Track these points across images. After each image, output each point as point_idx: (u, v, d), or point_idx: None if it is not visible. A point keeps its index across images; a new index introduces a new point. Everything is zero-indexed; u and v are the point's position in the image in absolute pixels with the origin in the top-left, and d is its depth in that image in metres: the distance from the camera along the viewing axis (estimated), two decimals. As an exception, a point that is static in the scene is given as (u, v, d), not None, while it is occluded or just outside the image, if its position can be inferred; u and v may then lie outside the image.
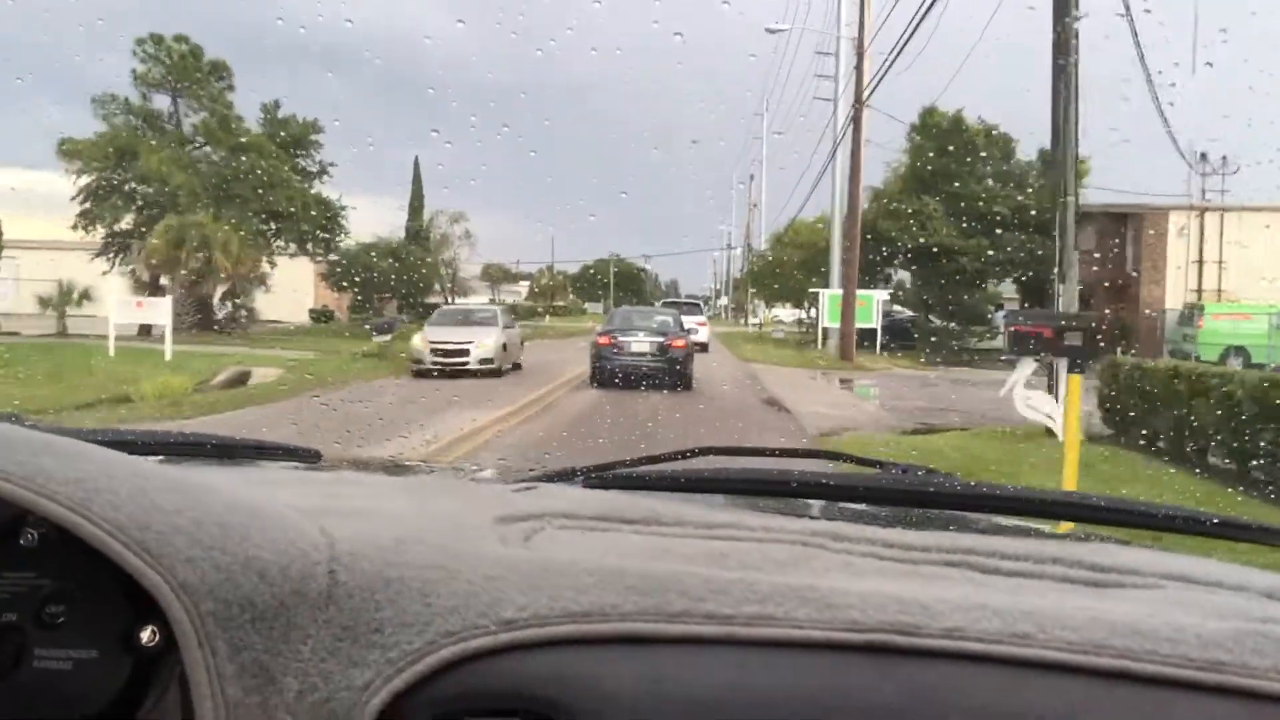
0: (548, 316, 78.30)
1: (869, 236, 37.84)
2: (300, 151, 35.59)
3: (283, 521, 0.83)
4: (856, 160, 28.28)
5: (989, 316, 41.66)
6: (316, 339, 29.11)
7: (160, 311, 23.34)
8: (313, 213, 34.72)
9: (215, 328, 31.97)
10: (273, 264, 35.61)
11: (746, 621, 0.78)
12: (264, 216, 33.84)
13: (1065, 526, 1.43)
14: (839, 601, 0.79)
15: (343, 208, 37.05)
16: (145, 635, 0.78)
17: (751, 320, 66.14)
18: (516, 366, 22.49)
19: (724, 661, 0.77)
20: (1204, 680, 0.74)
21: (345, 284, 43.48)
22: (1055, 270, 11.44)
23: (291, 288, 43.15)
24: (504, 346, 21.28)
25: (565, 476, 1.43)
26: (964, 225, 34.62)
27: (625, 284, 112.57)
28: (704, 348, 29.01)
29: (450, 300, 60.57)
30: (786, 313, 76.12)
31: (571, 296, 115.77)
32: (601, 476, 1.40)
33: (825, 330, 33.61)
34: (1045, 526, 1.42)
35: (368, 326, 27.38)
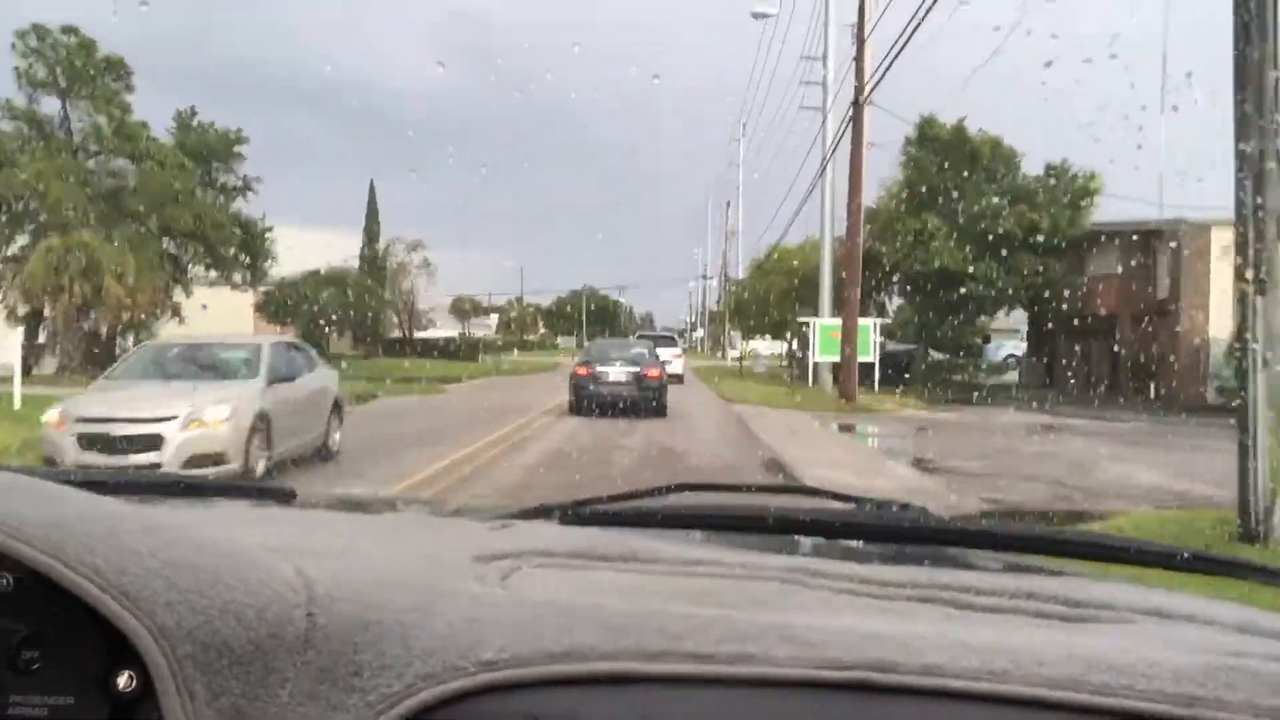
0: (515, 350, 74.19)
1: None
2: (218, 164, 31.31)
3: (259, 563, 0.82)
4: (857, 162, 24.24)
5: (979, 348, 38.95)
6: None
7: (6, 349, 19.01)
8: (230, 233, 30.36)
9: (104, 366, 27.32)
10: (188, 293, 31.22)
11: (726, 660, 0.77)
12: (169, 238, 29.58)
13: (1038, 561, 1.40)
14: (817, 639, 0.79)
15: (267, 229, 32.74)
16: (122, 681, 0.76)
17: (730, 353, 62.25)
18: (325, 452, 12.81)
19: (704, 701, 0.76)
20: (1178, 715, 0.74)
21: (281, 316, 39.05)
22: (1250, 271, 7.31)
23: (224, 320, 38.91)
24: (262, 422, 10.90)
25: (542, 513, 1.42)
26: (969, 247, 30.85)
27: (599, 317, 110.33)
28: (679, 379, 28.50)
29: (407, 334, 56.26)
30: (764, 345, 73.04)
31: (544, 330, 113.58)
32: (578, 513, 1.39)
33: (816, 365, 29.54)
34: (1019, 561, 1.39)
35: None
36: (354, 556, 0.98)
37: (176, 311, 30.96)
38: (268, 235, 32.84)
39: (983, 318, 35.39)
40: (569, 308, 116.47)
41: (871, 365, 28.94)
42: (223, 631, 0.73)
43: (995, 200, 31.46)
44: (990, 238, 30.26)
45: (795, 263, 38.48)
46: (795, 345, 52.80)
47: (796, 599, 0.96)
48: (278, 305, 38.37)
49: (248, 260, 32.64)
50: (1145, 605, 1.02)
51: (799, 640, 0.79)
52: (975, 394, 29.38)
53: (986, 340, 39.97)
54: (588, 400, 19.58)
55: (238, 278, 32.65)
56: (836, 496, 1.59)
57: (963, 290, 30.95)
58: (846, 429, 19.86)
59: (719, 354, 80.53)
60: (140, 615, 0.72)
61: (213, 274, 31.83)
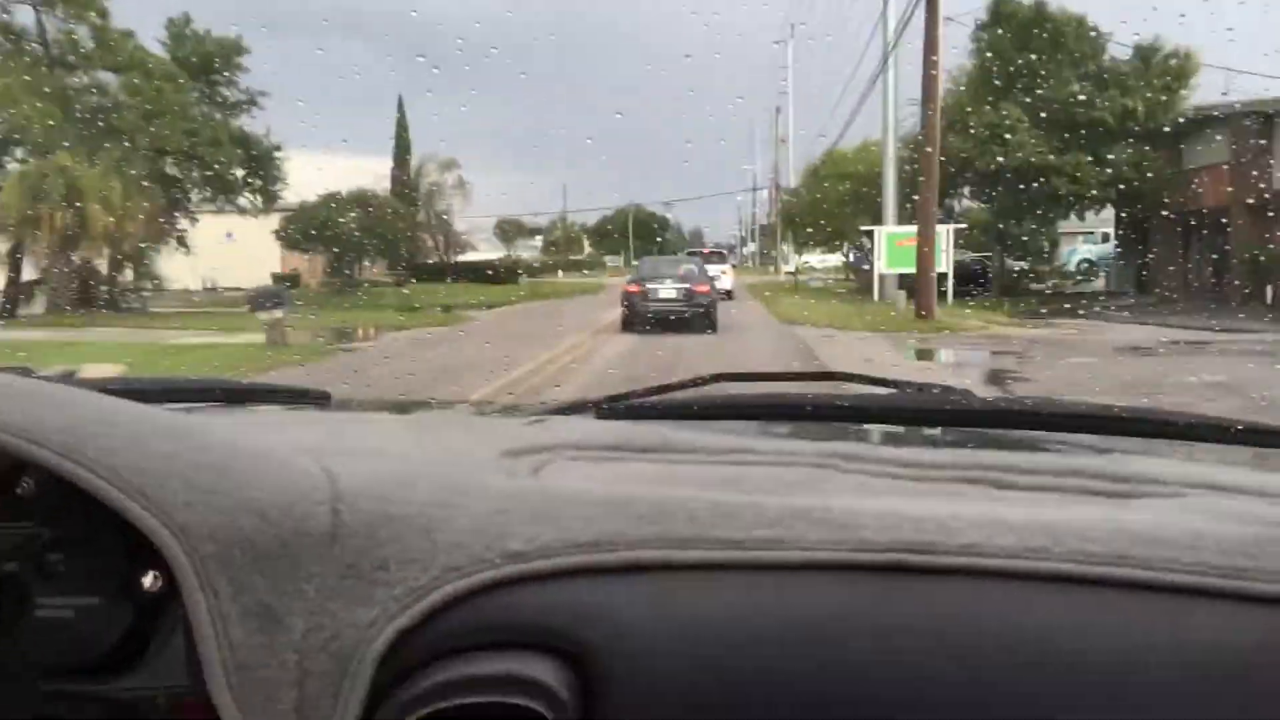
0: (560, 272, 71.48)
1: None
2: (219, 77, 28.49)
3: (284, 462, 0.83)
4: (933, 39, 20.75)
5: (1046, 254, 35.70)
6: (229, 318, 22.27)
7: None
8: (230, 152, 27.65)
9: (101, 305, 25.39)
10: (193, 220, 28.75)
11: (756, 545, 0.77)
12: (163, 158, 26.84)
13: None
14: (851, 522, 0.79)
15: (276, 147, 29.90)
16: (147, 581, 0.79)
17: (784, 268, 59.06)
18: None
19: (734, 586, 0.77)
20: (1224, 587, 0.73)
21: (302, 243, 36.52)
22: None
23: (250, 250, 36.53)
24: None
25: (576, 409, 1.42)
26: (1054, 139, 27.33)
27: (647, 234, 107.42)
28: (729, 294, 28.10)
29: (444, 258, 53.72)
30: (816, 258, 69.78)
31: (589, 250, 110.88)
32: (613, 407, 1.39)
33: (881, 277, 26.50)
34: (1065, 440, 1.34)
35: (248, 304, 20.31)
36: (382, 454, 0.98)
37: (182, 241, 28.58)
38: (276, 154, 30.06)
39: (1063, 219, 31.87)
40: (612, 226, 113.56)
41: (943, 277, 25.92)
42: (246, 529, 0.74)
43: (1082, 85, 27.79)
44: (1078, 128, 26.76)
45: (860, 168, 35.14)
46: (854, 257, 49.87)
47: (831, 483, 0.95)
48: (301, 232, 35.77)
49: (258, 183, 29.99)
50: (1195, 478, 0.98)
51: (832, 523, 0.79)
52: (1064, 305, 26.21)
53: (1054, 245, 36.69)
54: (640, 316, 19.84)
55: (244, 202, 30.00)
56: (875, 381, 1.52)
57: (1047, 188, 27.49)
58: (943, 357, 16.82)
59: (771, 269, 77.14)
60: (160, 515, 0.73)
61: (224, 201, 29.24)
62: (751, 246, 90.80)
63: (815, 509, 0.80)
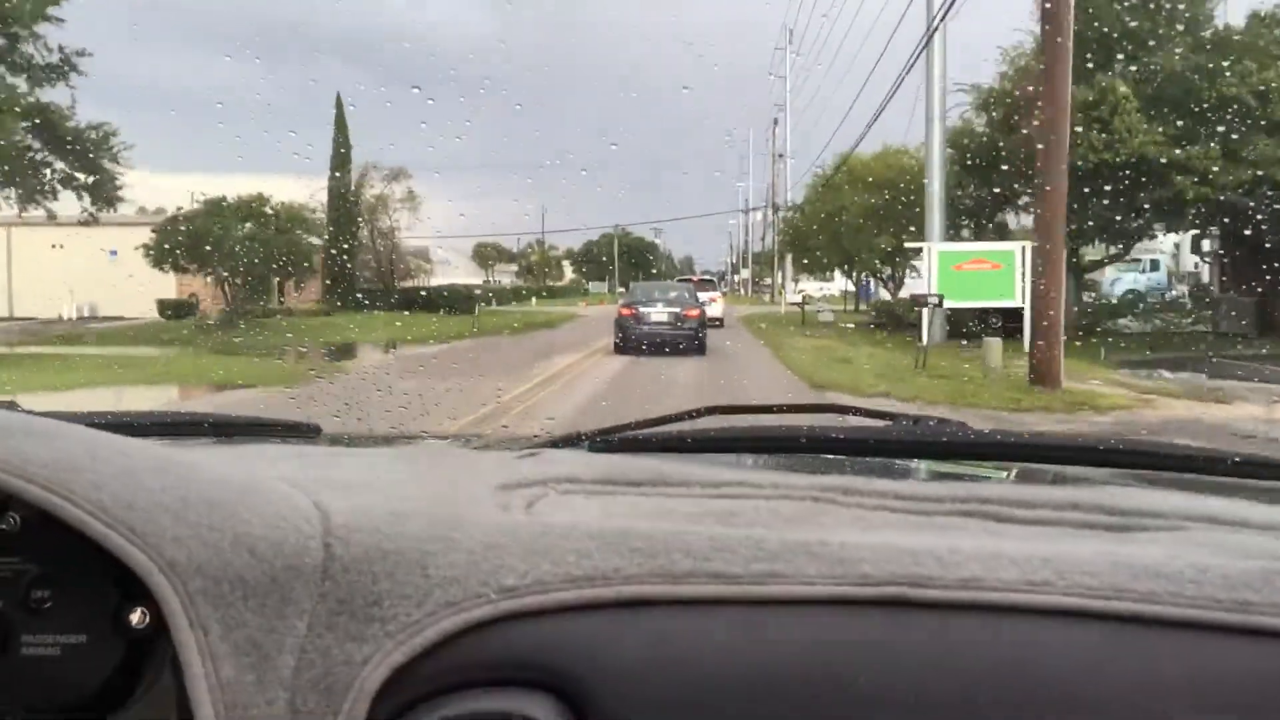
0: (534, 300, 63.78)
1: (979, 161, 23.18)
2: (15, 31, 20.56)
3: (275, 496, 0.81)
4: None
5: (1089, 281, 29.13)
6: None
7: None
8: (16, 127, 19.59)
9: None
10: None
11: (754, 580, 0.77)
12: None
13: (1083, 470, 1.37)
14: (850, 556, 0.78)
15: (110, 133, 21.99)
16: (135, 617, 0.77)
17: (786, 297, 51.50)
18: None
19: (732, 622, 0.76)
20: (1231, 621, 0.73)
21: (179, 261, 28.66)
22: None
23: (143, 271, 28.82)
24: None
25: (570, 442, 1.41)
26: (1174, 124, 19.76)
27: (635, 261, 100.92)
28: (719, 322, 28.13)
29: (388, 283, 45.72)
30: (813, 286, 63.25)
31: (572, 275, 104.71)
32: (607, 440, 1.38)
33: (926, 312, 18.83)
34: (1063, 472, 1.36)
35: None
36: (374, 488, 0.96)
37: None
38: (111, 139, 22.18)
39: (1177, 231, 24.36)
40: (597, 251, 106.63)
41: (1015, 312, 18.36)
42: (236, 564, 0.73)
43: (1199, 56, 20.27)
44: (1204, 111, 19.21)
45: (903, 160, 27.70)
46: (865, 284, 42.92)
47: (829, 517, 0.94)
48: (176, 248, 27.94)
49: (85, 180, 22.09)
50: (1195, 511, 0.97)
51: (830, 557, 0.78)
52: (1180, 354, 18.64)
53: (1084, 270, 29.42)
54: (632, 339, 19.96)
55: (59, 207, 22.11)
56: (872, 414, 1.53)
57: (1163, 190, 19.88)
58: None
59: (767, 298, 69.72)
60: (149, 550, 0.71)
61: (28, 201, 21.28)
62: (746, 272, 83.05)
63: (813, 543, 0.79)
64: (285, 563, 0.75)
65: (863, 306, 39.37)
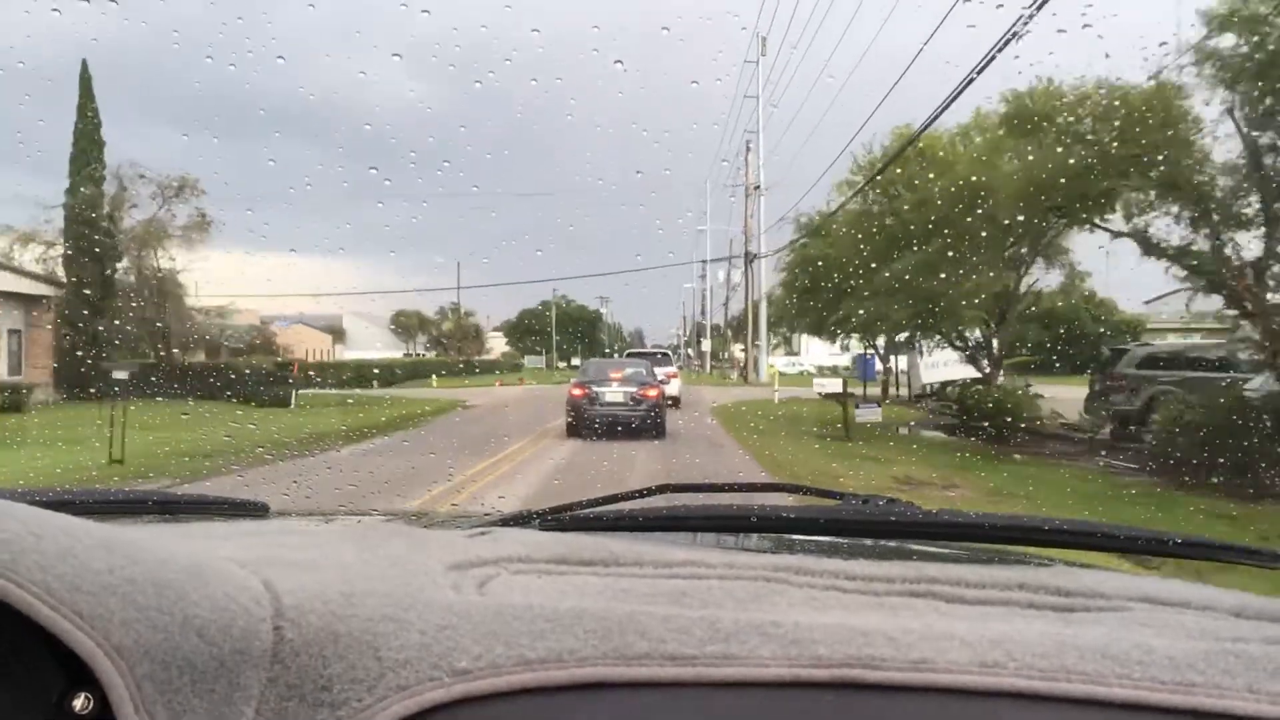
0: (434, 379, 48.53)
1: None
2: None
3: (223, 576, 0.79)
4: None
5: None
6: None
7: None
8: None
9: None
10: None
11: (710, 662, 0.77)
12: None
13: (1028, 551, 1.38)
14: (804, 637, 0.78)
15: None
16: (79, 703, 0.73)
17: (760, 371, 36.75)
18: None
19: (688, 704, 0.75)
20: (1176, 703, 0.74)
21: None
22: None
23: None
24: None
25: (521, 520, 1.40)
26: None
27: (579, 331, 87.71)
28: (675, 402, 25.36)
29: (160, 354, 30.14)
30: (781, 360, 49.51)
31: (507, 349, 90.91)
32: (558, 518, 1.38)
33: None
34: (1008, 552, 1.39)
35: None
36: (324, 567, 0.94)
37: None
38: None
39: None
40: (532, 320, 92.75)
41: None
42: (184, 648, 0.71)
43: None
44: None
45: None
46: (874, 357, 28.74)
47: (782, 597, 0.94)
48: None
49: None
50: (1138, 592, 0.99)
51: (785, 639, 0.78)
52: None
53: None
54: (586, 422, 18.35)
55: None
56: (821, 493, 1.53)
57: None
58: None
59: (733, 375, 55.09)
60: (94, 634, 0.68)
61: None
62: (705, 344, 68.35)
63: (767, 624, 0.79)
64: (234, 646, 0.73)
65: (866, 387, 25.31)
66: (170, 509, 1.51)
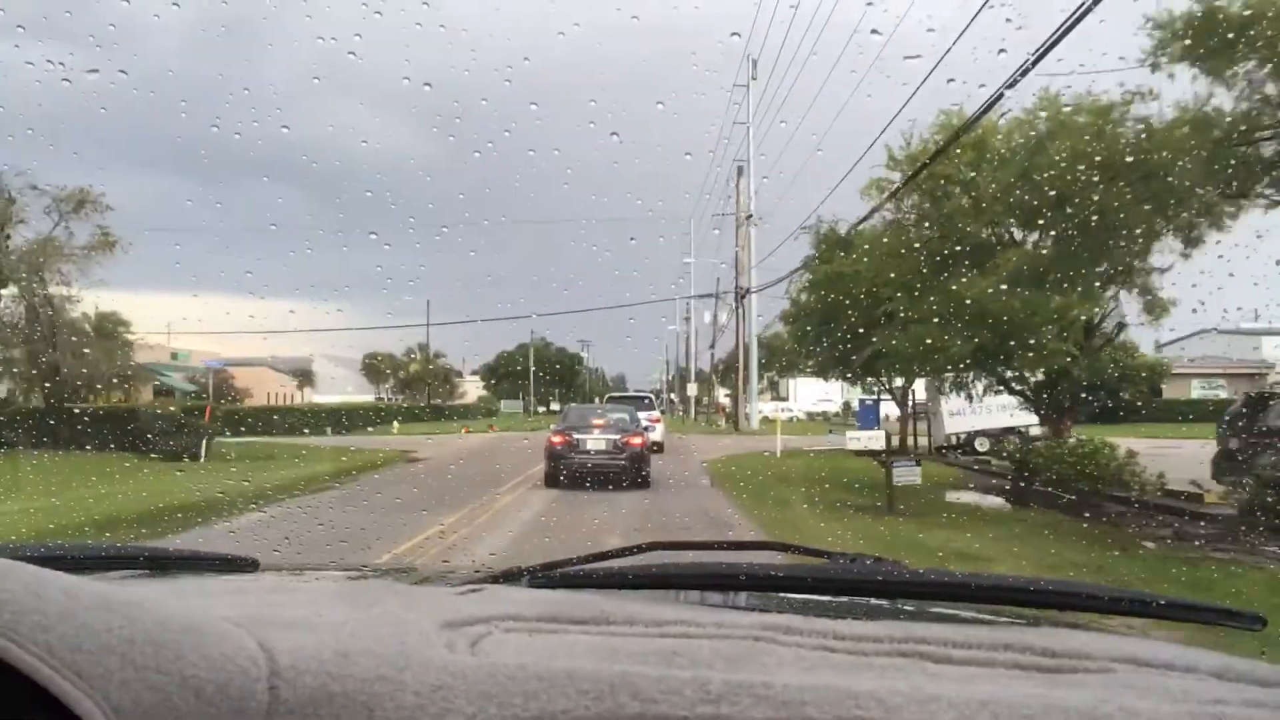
0: (395, 425, 44.06)
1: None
2: None
3: (219, 636, 0.80)
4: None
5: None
6: None
7: None
8: None
9: None
10: None
11: None
12: None
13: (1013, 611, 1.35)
14: (794, 699, 0.78)
15: None
16: None
17: (750, 415, 32.57)
18: None
19: None
20: None
21: None
22: None
23: None
24: None
25: (511, 577, 1.40)
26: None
27: (558, 375, 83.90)
28: (659, 448, 24.79)
29: (46, 397, 25.51)
30: (769, 406, 47.57)
31: (483, 392, 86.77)
32: (548, 576, 1.37)
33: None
34: (994, 612, 1.34)
35: None
36: (318, 626, 0.94)
37: None
38: None
39: None
40: (509, 363, 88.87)
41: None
42: (181, 708, 0.71)
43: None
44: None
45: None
46: (906, 401, 24.52)
47: (771, 658, 0.94)
48: None
49: None
50: (1123, 654, 0.99)
51: (775, 700, 0.78)
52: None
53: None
54: (566, 470, 17.54)
55: None
56: (809, 551, 1.52)
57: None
58: None
59: (721, 422, 50.90)
60: (94, 695, 0.69)
61: None
62: (691, 389, 64.10)
63: (757, 685, 0.79)
64: (231, 706, 0.73)
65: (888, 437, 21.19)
66: (162, 564, 1.48)
